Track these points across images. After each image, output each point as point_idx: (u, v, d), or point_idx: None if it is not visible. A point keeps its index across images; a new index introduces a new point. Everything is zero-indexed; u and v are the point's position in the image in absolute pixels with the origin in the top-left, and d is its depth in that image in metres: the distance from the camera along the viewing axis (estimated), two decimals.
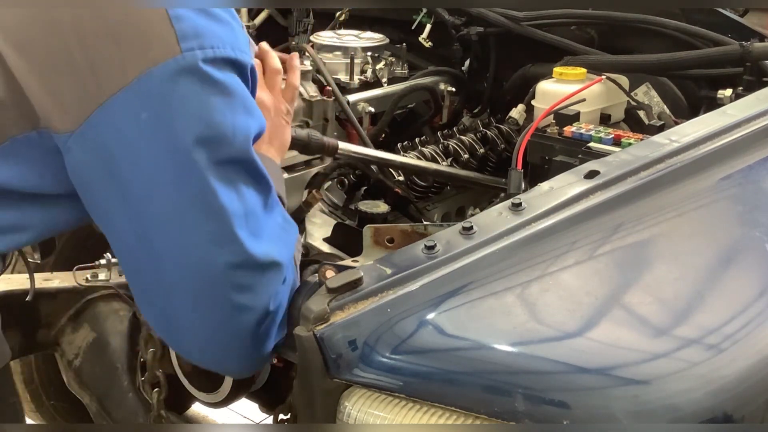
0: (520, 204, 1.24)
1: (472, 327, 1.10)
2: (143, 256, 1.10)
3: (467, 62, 2.25)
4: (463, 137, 1.98)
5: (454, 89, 2.11)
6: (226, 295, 1.08)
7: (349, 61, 1.93)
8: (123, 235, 1.10)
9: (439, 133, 1.98)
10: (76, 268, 1.96)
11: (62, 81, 1.03)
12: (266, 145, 1.34)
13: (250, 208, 1.09)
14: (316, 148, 1.60)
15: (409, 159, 1.80)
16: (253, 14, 2.32)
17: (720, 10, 2.13)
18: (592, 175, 1.32)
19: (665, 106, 2.00)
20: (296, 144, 1.54)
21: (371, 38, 2.04)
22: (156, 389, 1.77)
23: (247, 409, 2.53)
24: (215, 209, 1.05)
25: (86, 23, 1.02)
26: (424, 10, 2.21)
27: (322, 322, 1.05)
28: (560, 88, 1.81)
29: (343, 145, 1.66)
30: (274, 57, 1.42)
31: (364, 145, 1.78)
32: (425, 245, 1.15)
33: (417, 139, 1.91)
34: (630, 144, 1.58)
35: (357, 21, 2.25)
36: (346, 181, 1.77)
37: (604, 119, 1.85)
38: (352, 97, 1.86)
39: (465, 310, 1.11)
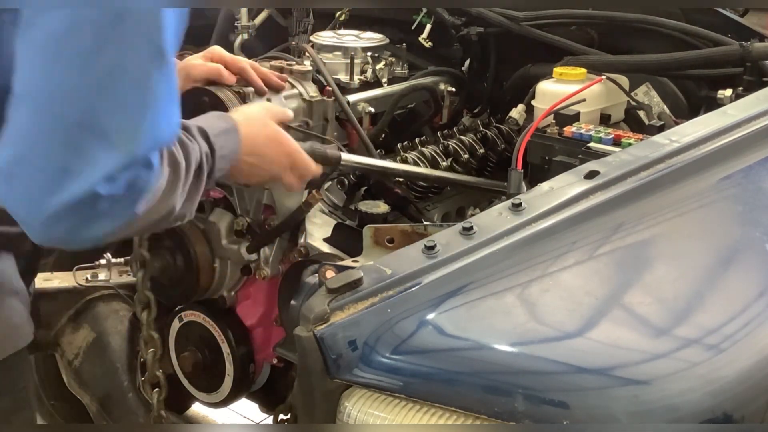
0: (520, 204, 1.24)
1: (472, 327, 1.10)
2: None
3: (467, 62, 2.25)
4: (463, 137, 1.98)
5: (454, 89, 2.11)
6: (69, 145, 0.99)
7: (349, 61, 1.93)
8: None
9: (439, 133, 1.98)
10: (76, 268, 1.96)
11: None
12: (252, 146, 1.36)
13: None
14: (320, 159, 1.59)
15: (410, 167, 1.79)
16: (253, 14, 2.32)
17: (720, 10, 2.13)
18: (592, 175, 1.32)
19: (665, 106, 2.00)
20: None
21: (371, 38, 2.04)
22: (156, 389, 1.78)
23: (247, 409, 2.54)
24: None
25: None
26: (424, 10, 2.21)
27: (322, 323, 1.05)
28: (560, 88, 1.81)
29: (346, 156, 1.65)
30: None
31: (365, 145, 1.78)
32: (425, 245, 1.15)
33: (417, 139, 1.91)
34: (630, 144, 1.58)
35: (357, 21, 2.25)
36: (346, 181, 1.77)
37: (604, 119, 1.85)
38: (352, 97, 1.86)
39: (465, 311, 1.11)
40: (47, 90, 0.99)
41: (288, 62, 1.78)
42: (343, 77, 1.92)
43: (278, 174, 1.45)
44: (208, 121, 1.30)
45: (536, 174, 1.65)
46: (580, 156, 1.61)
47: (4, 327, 1.24)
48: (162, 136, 1.06)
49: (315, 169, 1.50)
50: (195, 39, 1.70)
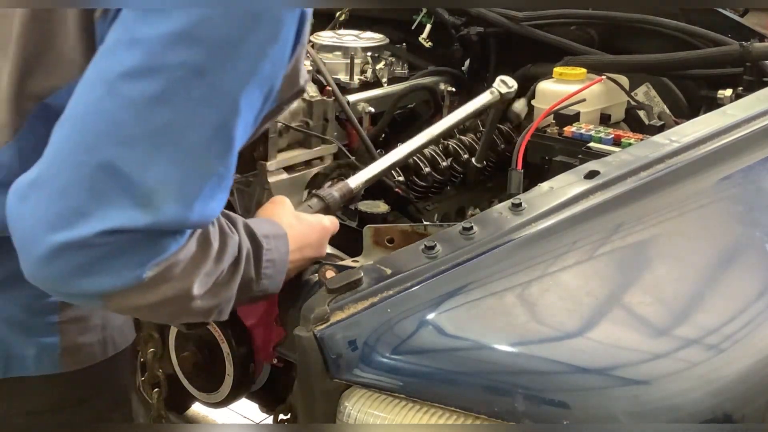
0: (520, 204, 1.24)
1: (472, 327, 1.10)
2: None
3: (467, 62, 2.25)
4: (463, 137, 1.98)
5: (454, 89, 2.11)
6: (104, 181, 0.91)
7: (349, 61, 1.93)
8: None
9: None
10: None
11: None
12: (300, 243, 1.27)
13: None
14: (335, 207, 1.54)
15: (406, 149, 1.78)
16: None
17: (720, 10, 2.13)
18: (592, 175, 1.32)
19: (665, 106, 2.00)
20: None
21: (371, 38, 2.04)
22: (156, 389, 1.77)
23: (247, 409, 2.53)
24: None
25: None
26: (424, 10, 2.21)
27: (322, 323, 1.05)
28: (560, 88, 1.81)
29: (354, 183, 1.58)
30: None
31: (365, 145, 1.78)
32: (425, 245, 1.15)
33: None
34: (630, 144, 1.58)
35: (357, 21, 2.25)
36: None
37: (604, 119, 1.85)
38: (352, 97, 1.86)
39: (465, 310, 1.11)
40: (91, 120, 0.93)
41: None
42: (343, 77, 1.92)
43: (314, 256, 1.35)
44: (256, 221, 1.20)
45: (536, 174, 1.65)
46: (580, 156, 1.62)
47: (109, 328, 1.25)
48: (194, 216, 0.96)
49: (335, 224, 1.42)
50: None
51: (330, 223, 1.37)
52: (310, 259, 1.32)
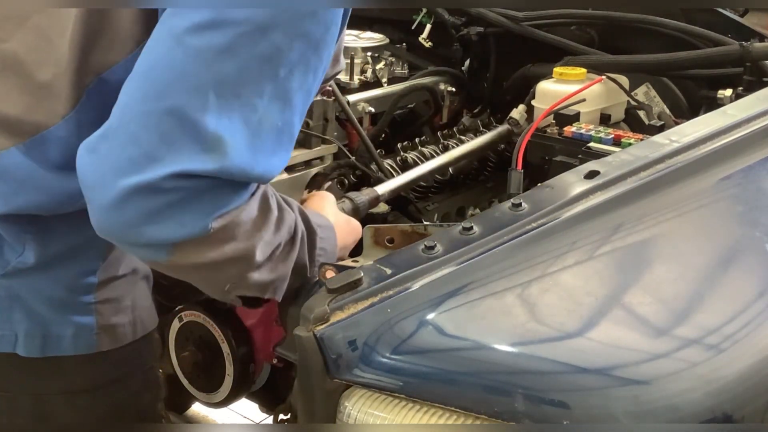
0: (520, 204, 1.24)
1: (472, 327, 1.10)
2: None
3: (467, 62, 2.25)
4: (463, 137, 1.98)
5: (454, 89, 2.11)
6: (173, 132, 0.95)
7: (349, 61, 1.93)
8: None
9: (439, 133, 1.98)
10: None
11: None
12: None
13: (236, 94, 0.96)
14: (363, 211, 1.56)
15: (431, 165, 1.78)
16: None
17: (720, 10, 2.13)
18: (592, 175, 1.32)
19: (665, 106, 2.00)
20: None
21: (371, 38, 2.04)
22: None
23: (247, 409, 2.53)
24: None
25: None
26: (424, 10, 2.21)
27: (322, 323, 1.05)
28: (560, 88, 1.81)
29: (381, 190, 1.61)
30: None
31: (365, 145, 1.78)
32: (425, 245, 1.15)
33: (417, 139, 1.91)
34: (630, 144, 1.58)
35: (357, 21, 2.25)
36: (346, 181, 1.77)
37: (604, 119, 1.85)
38: (352, 97, 1.86)
39: (465, 310, 1.11)
40: (160, 71, 0.96)
41: None
42: (343, 77, 1.92)
43: (345, 257, 1.38)
44: (308, 210, 1.22)
45: (536, 174, 1.65)
46: (580, 156, 1.62)
47: (138, 310, 1.29)
48: (257, 168, 0.99)
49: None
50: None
51: (360, 228, 1.40)
52: (342, 260, 1.34)
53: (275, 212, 1.08)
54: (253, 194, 1.04)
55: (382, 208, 1.67)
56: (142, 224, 0.96)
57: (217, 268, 1.05)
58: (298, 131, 1.05)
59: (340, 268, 1.15)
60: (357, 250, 1.39)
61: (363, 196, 1.56)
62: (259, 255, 1.06)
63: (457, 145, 1.93)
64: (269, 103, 0.98)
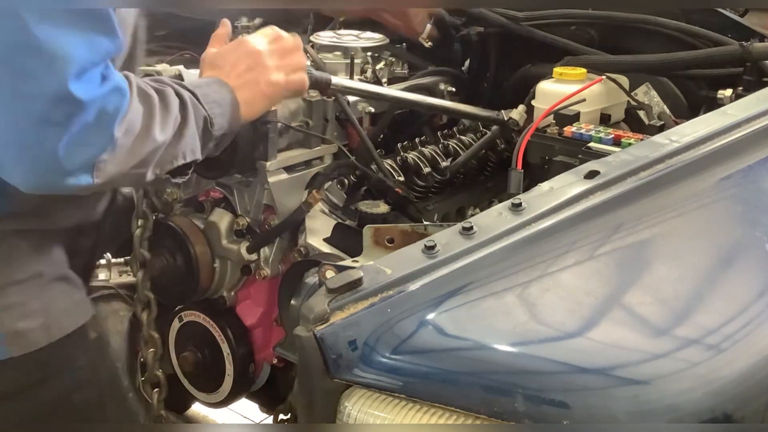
0: (520, 204, 1.24)
1: (472, 327, 1.10)
2: None
3: (467, 62, 2.25)
4: (463, 137, 1.98)
5: (454, 89, 2.11)
6: (7, 79, 1.06)
7: (349, 61, 1.93)
8: None
9: (439, 133, 1.98)
10: None
11: None
12: (236, 84, 1.40)
13: None
14: (310, 84, 1.63)
15: (402, 94, 1.85)
16: (253, 14, 2.32)
17: (720, 10, 2.13)
18: (592, 175, 1.32)
19: (665, 106, 2.00)
20: None
21: (371, 38, 2.04)
22: (156, 389, 1.78)
23: (247, 409, 2.53)
24: None
25: None
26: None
27: (322, 323, 1.05)
28: (560, 88, 1.81)
29: (336, 80, 1.70)
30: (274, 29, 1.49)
31: (365, 145, 1.78)
32: (425, 245, 1.15)
33: (417, 139, 1.91)
34: (630, 144, 1.58)
35: (357, 21, 2.25)
36: (346, 181, 1.77)
37: (604, 119, 1.85)
38: (352, 97, 1.86)
39: (465, 310, 1.11)
40: None
41: None
42: (343, 77, 1.92)
43: (271, 78, 1.45)
44: (185, 82, 1.36)
45: (536, 174, 1.65)
46: (580, 156, 1.61)
47: (51, 313, 1.29)
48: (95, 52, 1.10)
49: (296, 43, 1.51)
50: (194, 39, 1.70)
51: (255, 39, 1.46)
52: (266, 82, 1.44)
53: (153, 94, 1.21)
54: (131, 90, 1.16)
55: (382, 208, 1.67)
56: (61, 158, 1.09)
57: (137, 166, 1.19)
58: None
59: (340, 268, 1.15)
60: (357, 250, 1.39)
61: (316, 72, 1.66)
62: (160, 134, 1.21)
63: (458, 145, 1.93)
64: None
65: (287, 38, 1.50)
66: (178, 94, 1.27)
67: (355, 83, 1.81)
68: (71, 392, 1.34)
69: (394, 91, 1.87)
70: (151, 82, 1.27)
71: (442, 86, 2.09)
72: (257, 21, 2.27)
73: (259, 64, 1.44)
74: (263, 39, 1.47)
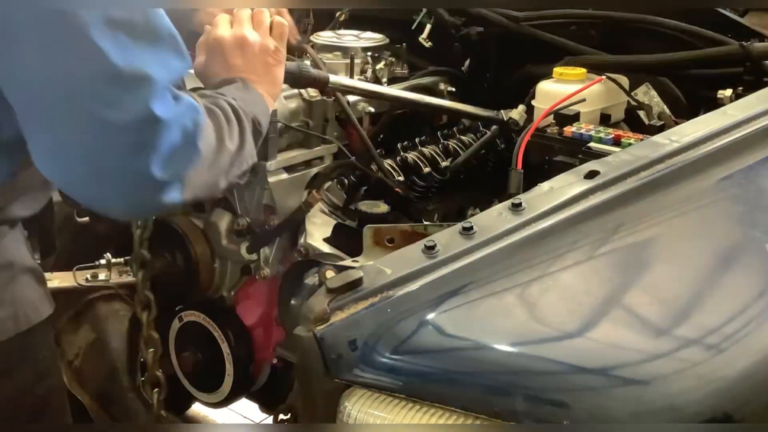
0: (520, 204, 1.24)
1: (472, 327, 1.10)
2: (18, 89, 1.09)
3: (467, 62, 2.25)
4: (463, 137, 1.98)
5: (454, 89, 2.11)
6: (94, 111, 1.06)
7: (349, 61, 1.93)
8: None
9: (439, 133, 1.98)
10: (76, 268, 1.96)
11: None
12: (251, 82, 1.41)
13: (114, 18, 1.06)
14: (307, 81, 1.66)
15: (402, 93, 1.86)
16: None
17: (720, 10, 2.13)
18: (592, 175, 1.32)
19: (665, 106, 2.00)
20: (287, 77, 1.57)
21: (371, 38, 2.04)
22: (156, 389, 1.78)
23: (247, 409, 2.53)
24: (69, 17, 1.03)
25: None
26: (424, 10, 2.21)
27: (322, 323, 1.05)
28: (560, 88, 1.81)
29: (334, 78, 1.71)
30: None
31: (365, 145, 1.79)
32: (425, 245, 1.15)
33: (417, 139, 1.91)
34: (630, 144, 1.58)
35: (357, 21, 2.25)
36: (346, 181, 1.77)
37: (604, 119, 1.85)
38: (352, 97, 1.86)
39: (465, 310, 1.11)
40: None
41: None
42: (342, 77, 1.92)
43: (268, 58, 1.47)
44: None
45: (536, 174, 1.65)
46: (580, 156, 1.61)
47: (19, 303, 1.29)
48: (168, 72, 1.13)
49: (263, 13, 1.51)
50: (193, 39, 1.70)
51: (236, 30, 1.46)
52: (266, 56, 1.46)
53: (218, 109, 1.25)
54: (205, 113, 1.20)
55: (382, 208, 1.67)
56: (157, 182, 1.12)
57: (216, 176, 1.24)
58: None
59: (340, 268, 1.15)
60: (357, 250, 1.39)
61: (315, 70, 1.67)
62: (233, 144, 1.26)
63: (458, 145, 1.93)
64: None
65: (258, 13, 1.50)
66: (229, 103, 1.30)
67: (354, 81, 1.81)
68: (34, 382, 1.34)
69: (393, 90, 1.87)
70: (204, 94, 1.31)
71: (442, 86, 2.10)
72: None
73: (257, 49, 1.45)
74: (241, 25, 1.47)
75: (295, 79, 1.64)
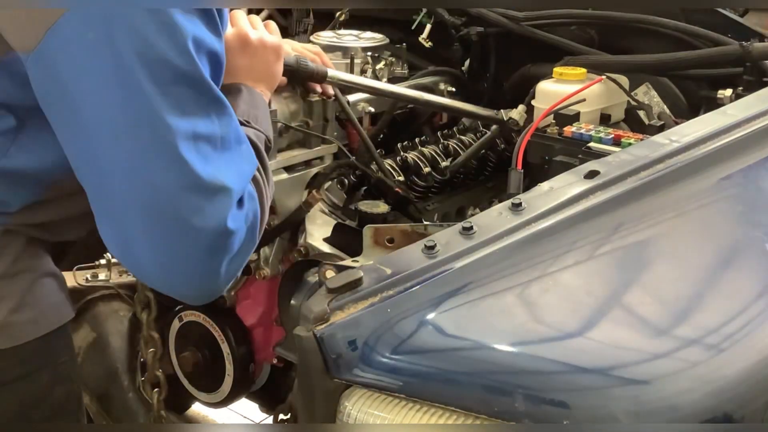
0: (520, 204, 1.24)
1: (472, 327, 1.10)
2: (95, 178, 1.13)
3: (467, 62, 2.25)
4: (463, 137, 1.98)
5: (454, 89, 2.11)
6: (177, 216, 1.10)
7: (349, 61, 1.93)
8: (78, 156, 1.13)
9: (439, 133, 1.98)
10: (76, 268, 1.96)
11: (15, 2, 1.08)
12: (252, 81, 1.41)
13: (199, 132, 1.10)
14: (305, 75, 1.65)
15: (398, 89, 1.86)
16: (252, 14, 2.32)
17: (720, 10, 2.13)
18: (592, 175, 1.32)
19: (665, 106, 2.00)
20: (285, 71, 1.58)
21: (371, 38, 2.04)
22: (156, 389, 1.78)
23: (247, 409, 2.53)
24: (160, 130, 1.07)
25: None
26: (424, 10, 2.21)
27: (322, 322, 1.05)
28: (560, 88, 1.81)
29: (333, 73, 1.71)
30: None
31: (365, 145, 1.79)
32: (425, 245, 1.15)
33: (417, 139, 1.91)
34: (630, 144, 1.58)
35: (357, 21, 2.25)
36: (346, 181, 1.77)
37: (604, 119, 1.85)
38: (352, 97, 1.86)
39: (465, 310, 1.11)
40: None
41: None
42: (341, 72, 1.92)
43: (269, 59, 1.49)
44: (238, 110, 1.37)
45: (536, 174, 1.65)
46: (580, 156, 1.61)
47: (40, 307, 1.30)
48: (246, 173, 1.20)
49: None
50: None
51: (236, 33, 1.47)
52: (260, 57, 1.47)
53: (259, 177, 1.25)
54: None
55: (382, 208, 1.67)
56: (224, 280, 1.17)
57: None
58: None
59: (340, 268, 1.15)
60: (357, 250, 1.39)
61: (313, 64, 1.67)
62: (271, 197, 1.31)
63: (458, 145, 1.93)
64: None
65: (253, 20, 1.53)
66: (252, 143, 1.28)
67: (352, 76, 1.81)
68: (53, 386, 1.36)
69: (391, 86, 1.87)
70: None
71: (442, 86, 2.09)
72: None
73: (258, 46, 1.47)
74: (240, 24, 1.48)
75: (293, 73, 1.64)
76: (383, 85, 1.87)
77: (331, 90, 1.74)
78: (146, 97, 1.05)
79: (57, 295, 1.34)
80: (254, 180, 1.23)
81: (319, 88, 1.73)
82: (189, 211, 1.10)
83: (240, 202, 1.16)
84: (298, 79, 1.68)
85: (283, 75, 1.58)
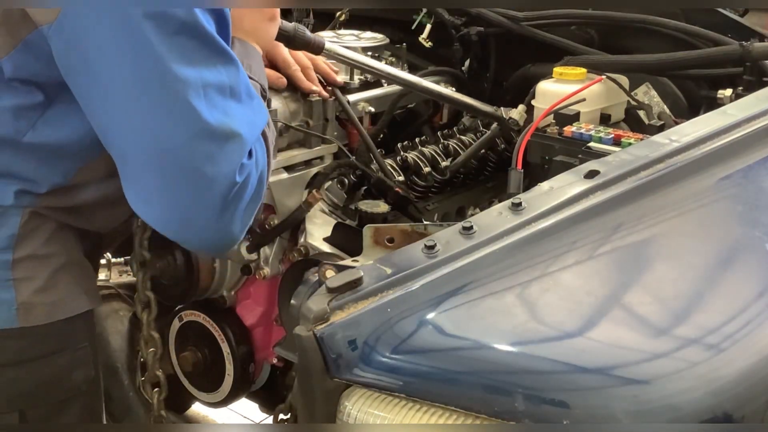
0: (520, 204, 1.24)
1: (472, 327, 1.10)
2: (117, 140, 1.18)
3: (467, 62, 2.25)
4: (463, 137, 1.98)
5: (454, 89, 2.11)
6: (190, 165, 1.14)
7: None
8: (101, 122, 1.19)
9: (439, 133, 1.98)
10: None
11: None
12: (243, 34, 1.44)
13: (207, 81, 1.15)
14: (301, 43, 1.66)
15: (397, 72, 1.87)
16: None
17: (720, 10, 2.13)
18: (592, 175, 1.32)
19: (665, 106, 2.00)
20: (281, 36, 1.58)
21: (371, 38, 2.04)
22: (156, 389, 1.78)
23: (247, 409, 2.53)
24: (169, 80, 1.12)
25: None
26: (424, 10, 2.21)
27: (322, 322, 1.05)
28: (560, 88, 1.81)
29: (330, 45, 1.71)
30: None
31: (366, 145, 1.79)
32: (425, 245, 1.15)
33: (417, 139, 1.91)
34: (630, 144, 1.58)
35: (357, 21, 2.25)
36: (346, 181, 1.77)
37: (604, 119, 1.85)
38: (352, 97, 1.86)
39: (465, 310, 1.11)
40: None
41: None
42: (343, 77, 1.92)
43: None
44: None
45: (536, 174, 1.65)
46: (580, 156, 1.61)
47: (66, 292, 1.35)
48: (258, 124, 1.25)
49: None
50: None
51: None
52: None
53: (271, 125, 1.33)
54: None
55: (382, 208, 1.67)
56: (245, 220, 1.24)
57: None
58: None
59: (340, 268, 1.15)
60: (357, 250, 1.39)
61: (311, 34, 1.67)
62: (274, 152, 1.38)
63: (458, 145, 1.93)
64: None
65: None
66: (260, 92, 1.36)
67: (349, 52, 1.81)
68: (71, 369, 1.39)
69: (388, 67, 1.87)
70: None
71: (442, 86, 2.09)
72: None
73: (264, 26, 1.50)
74: None
75: (289, 39, 1.65)
76: (380, 65, 1.87)
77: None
78: (153, 49, 1.10)
79: (81, 283, 1.39)
80: (261, 132, 1.27)
81: (319, 89, 1.73)
82: (201, 159, 1.14)
83: (250, 153, 1.21)
84: (294, 45, 1.68)
85: (280, 41, 1.61)
